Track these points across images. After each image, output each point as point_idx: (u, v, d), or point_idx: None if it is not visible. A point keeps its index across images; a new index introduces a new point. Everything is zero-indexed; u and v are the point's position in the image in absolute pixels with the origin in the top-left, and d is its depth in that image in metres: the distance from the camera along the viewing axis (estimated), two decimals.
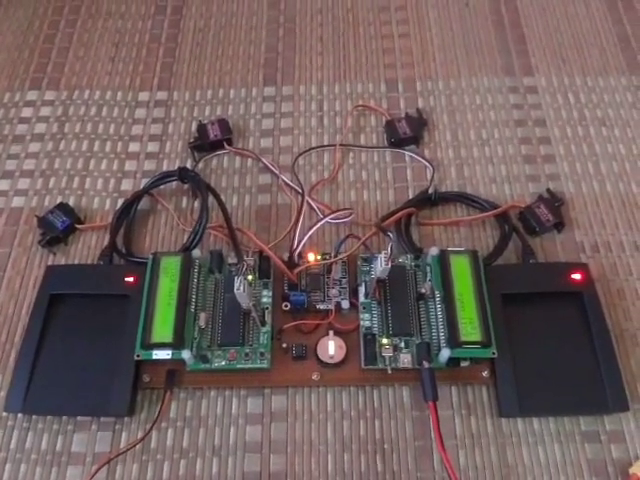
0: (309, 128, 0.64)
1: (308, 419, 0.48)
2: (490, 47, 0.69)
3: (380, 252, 0.47)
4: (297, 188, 0.59)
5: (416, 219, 0.57)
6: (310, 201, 0.57)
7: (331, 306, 0.50)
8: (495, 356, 0.47)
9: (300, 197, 0.57)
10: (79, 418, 0.48)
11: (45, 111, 0.65)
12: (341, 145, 0.61)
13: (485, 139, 0.62)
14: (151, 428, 0.46)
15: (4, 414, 0.48)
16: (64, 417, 0.48)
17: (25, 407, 0.47)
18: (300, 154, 0.61)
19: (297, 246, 0.50)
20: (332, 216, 0.51)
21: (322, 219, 0.50)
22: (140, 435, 0.47)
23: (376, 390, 0.49)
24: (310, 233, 0.49)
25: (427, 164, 0.60)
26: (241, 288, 0.44)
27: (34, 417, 0.48)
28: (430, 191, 0.58)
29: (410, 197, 0.58)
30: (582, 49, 0.69)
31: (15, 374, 0.48)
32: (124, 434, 0.48)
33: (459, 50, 0.69)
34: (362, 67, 0.68)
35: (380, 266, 0.45)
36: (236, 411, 0.49)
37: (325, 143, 0.62)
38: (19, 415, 0.48)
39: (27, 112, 0.65)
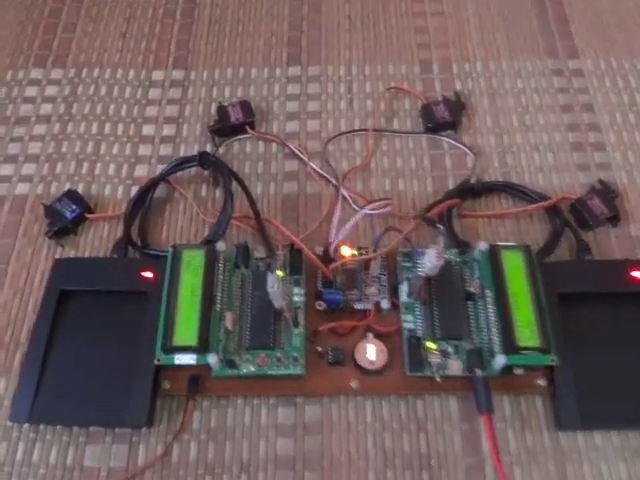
0: (338, 111, 0.59)
1: (345, 431, 0.44)
2: (531, 27, 0.64)
3: (423, 247, 0.42)
4: (327, 176, 0.54)
5: (457, 211, 0.52)
6: (343, 191, 0.52)
7: (369, 306, 0.46)
8: (555, 363, 0.42)
9: (331, 186, 0.53)
10: (92, 429, 0.43)
11: (51, 90, 0.60)
12: (374, 130, 0.56)
13: (529, 125, 0.57)
14: (172, 443, 0.41)
15: (8, 424, 0.43)
16: (75, 428, 0.43)
17: (32, 416, 0.42)
18: (330, 139, 0.56)
19: (334, 239, 0.45)
20: (370, 207, 0.46)
21: (361, 210, 0.46)
22: (160, 449, 0.43)
23: (420, 400, 0.45)
24: (349, 225, 0.45)
25: (467, 151, 0.55)
26: (275, 286, 0.39)
27: (42, 427, 0.43)
28: (472, 180, 0.53)
29: (450, 187, 0.54)
30: (629, 30, 0.64)
31: (21, 380, 0.43)
32: (142, 447, 0.43)
33: (498, 30, 0.64)
34: (393, 47, 0.63)
35: (430, 262, 0.41)
36: (266, 422, 0.44)
37: (356, 128, 0.57)
38: (25, 425, 0.43)
39: (31, 91, 0.60)
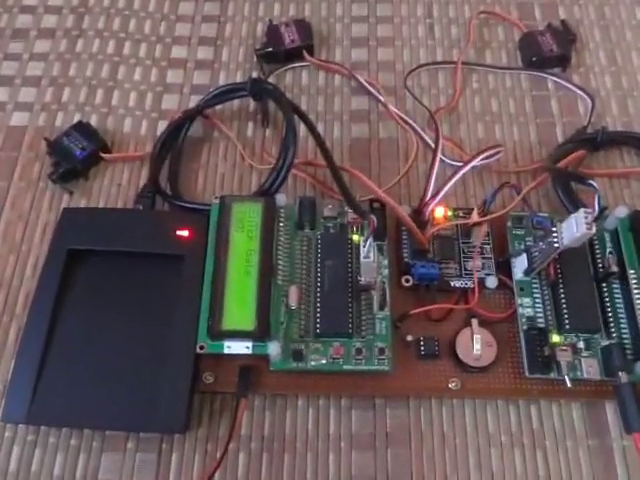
0: (415, 39, 0.47)
1: (440, 444, 0.34)
2: None
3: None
4: (405, 117, 0.43)
5: (574, 166, 0.41)
6: (427, 137, 0.42)
7: (472, 284, 0.35)
8: None
9: (410, 129, 0.42)
10: (109, 432, 0.33)
11: None
12: (463, 64, 0.45)
13: None
14: (221, 460, 0.31)
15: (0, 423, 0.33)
16: (87, 430, 0.33)
17: (31, 414, 0.32)
18: (409, 73, 0.45)
19: (432, 198, 0.34)
20: (481, 157, 0.35)
21: (468, 162, 0.35)
22: (198, 460, 0.33)
23: (534, 406, 0.35)
24: (454, 181, 0.34)
25: (581, 93, 0.44)
26: (371, 256, 0.29)
27: (43, 428, 0.33)
28: (589, 130, 0.42)
29: (558, 136, 0.43)
30: None
31: (17, 365, 0.33)
32: (174, 457, 0.33)
33: None
34: None
35: (577, 231, 0.30)
36: (336, 429, 0.34)
37: (439, 59, 0.46)
38: (21, 425, 0.33)
39: None
